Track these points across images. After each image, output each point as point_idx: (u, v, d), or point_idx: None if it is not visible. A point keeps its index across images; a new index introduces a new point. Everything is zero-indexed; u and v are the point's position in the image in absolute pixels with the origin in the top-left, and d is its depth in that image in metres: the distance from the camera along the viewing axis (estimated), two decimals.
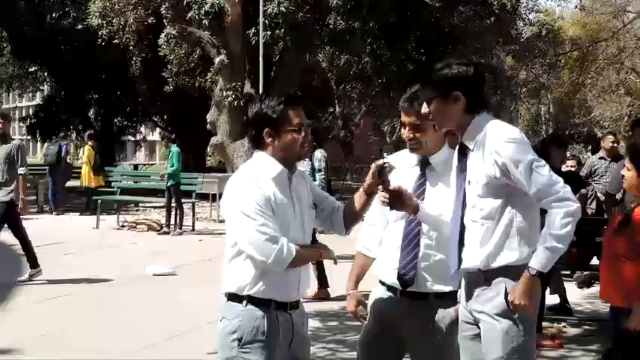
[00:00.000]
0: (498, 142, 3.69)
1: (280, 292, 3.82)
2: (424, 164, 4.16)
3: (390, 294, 4.18)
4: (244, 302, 3.80)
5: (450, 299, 4.10)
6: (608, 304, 5.36)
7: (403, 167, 4.18)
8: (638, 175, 4.89)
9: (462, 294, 3.99)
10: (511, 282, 3.73)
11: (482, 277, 3.82)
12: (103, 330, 8.13)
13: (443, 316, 4.10)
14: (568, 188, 3.68)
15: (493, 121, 3.81)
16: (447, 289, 4.08)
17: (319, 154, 9.91)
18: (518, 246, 3.74)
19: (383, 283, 4.24)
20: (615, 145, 11.63)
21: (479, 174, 3.76)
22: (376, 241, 4.32)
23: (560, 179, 3.69)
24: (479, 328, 3.86)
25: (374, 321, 4.28)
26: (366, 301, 4.32)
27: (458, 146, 3.93)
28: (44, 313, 8.94)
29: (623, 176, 5.04)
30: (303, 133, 3.84)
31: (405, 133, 4.16)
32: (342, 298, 7.42)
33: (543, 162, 3.71)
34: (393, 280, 4.14)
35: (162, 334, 7.91)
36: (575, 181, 8.87)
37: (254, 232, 3.69)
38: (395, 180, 4.05)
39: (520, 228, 3.74)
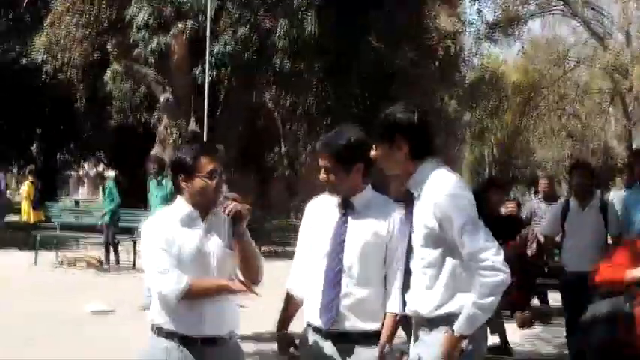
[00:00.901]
0: (438, 195, 3.71)
1: (182, 326, 3.96)
2: (345, 206, 4.09)
3: (315, 334, 4.11)
4: (154, 332, 4.05)
5: (373, 339, 3.99)
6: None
7: (326, 209, 4.17)
8: None
9: (412, 334, 3.98)
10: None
11: (426, 323, 3.84)
12: None
13: (366, 356, 3.99)
14: (500, 257, 3.66)
15: (437, 171, 3.81)
16: (371, 327, 4.01)
17: None
18: (460, 294, 3.74)
19: (309, 324, 4.16)
20: (547, 188, 11.81)
21: (421, 223, 3.79)
22: (305, 281, 4.22)
23: (494, 245, 3.69)
24: None
25: None
26: (297, 341, 4.27)
27: (404, 192, 3.93)
28: None
29: None
30: (216, 180, 3.99)
31: (321, 175, 4.11)
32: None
33: (480, 224, 3.71)
34: (316, 319, 4.07)
35: None
36: (514, 225, 8.94)
37: (150, 265, 3.98)
38: (318, 225, 4.11)
39: (462, 277, 3.74)
